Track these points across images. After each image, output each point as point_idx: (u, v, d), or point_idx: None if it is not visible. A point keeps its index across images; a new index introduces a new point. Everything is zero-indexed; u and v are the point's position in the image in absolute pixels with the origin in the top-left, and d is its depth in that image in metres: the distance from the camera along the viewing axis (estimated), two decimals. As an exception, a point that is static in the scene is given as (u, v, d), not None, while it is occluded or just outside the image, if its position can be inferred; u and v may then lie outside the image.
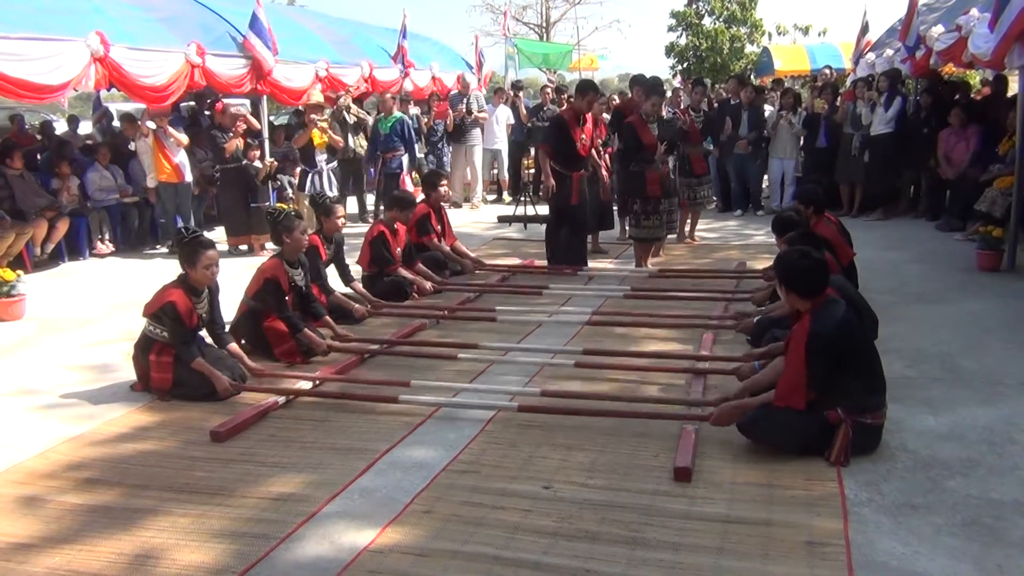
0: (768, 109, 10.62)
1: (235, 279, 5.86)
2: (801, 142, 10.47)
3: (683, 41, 24.23)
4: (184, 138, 8.66)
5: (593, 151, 7.59)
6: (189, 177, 8.82)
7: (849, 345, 3.49)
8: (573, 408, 4.07)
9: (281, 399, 4.31)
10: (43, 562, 2.86)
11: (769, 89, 12.21)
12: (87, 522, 3.13)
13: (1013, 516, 3.02)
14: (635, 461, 3.53)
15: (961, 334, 5.24)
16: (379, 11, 71.18)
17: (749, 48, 24.00)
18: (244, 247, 8.70)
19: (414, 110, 11.70)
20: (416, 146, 10.58)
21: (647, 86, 7.51)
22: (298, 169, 9.51)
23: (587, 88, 7.37)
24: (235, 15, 9.04)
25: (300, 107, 10.10)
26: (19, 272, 6.45)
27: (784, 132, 10.29)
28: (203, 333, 4.72)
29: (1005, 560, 2.75)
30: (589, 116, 7.33)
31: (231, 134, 8.61)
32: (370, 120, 10.37)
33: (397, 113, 10.00)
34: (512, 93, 12.77)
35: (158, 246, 9.08)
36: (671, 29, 24.66)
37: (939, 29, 8.64)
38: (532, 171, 10.89)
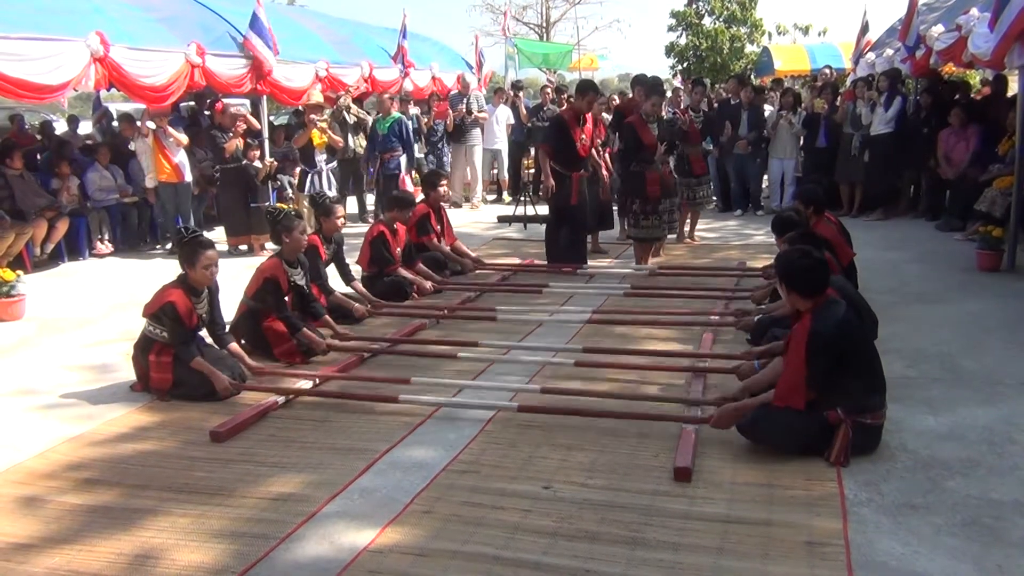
0: (768, 109, 10.63)
1: (235, 279, 5.86)
2: (801, 142, 10.47)
3: (683, 41, 24.26)
4: (184, 138, 8.66)
5: (593, 151, 7.59)
6: (189, 177, 8.82)
7: (849, 345, 3.49)
8: (573, 408, 4.07)
9: (281, 399, 4.31)
10: (43, 562, 2.86)
11: (769, 89, 12.21)
12: (87, 522, 3.13)
13: (1013, 516, 3.02)
14: (635, 461, 3.53)
15: (961, 334, 5.24)
16: (379, 11, 71.27)
17: (749, 48, 24.02)
18: (244, 247, 8.70)
19: (414, 110, 11.69)
20: (415, 146, 10.56)
21: (647, 86, 7.52)
22: (297, 169, 9.51)
23: (587, 88, 7.38)
24: (235, 15, 9.04)
25: (300, 107, 10.11)
26: (19, 272, 6.45)
27: (784, 132, 10.28)
28: (203, 333, 4.72)
29: (1005, 560, 2.75)
30: (589, 116, 7.34)
31: (231, 134, 8.61)
32: (370, 120, 10.36)
33: (395, 113, 9.99)
34: (512, 93, 12.77)
35: (158, 246, 9.07)
36: (671, 29, 24.71)
37: (939, 29, 8.64)
38: (532, 171, 10.90)
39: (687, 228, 8.84)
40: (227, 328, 4.86)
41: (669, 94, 9.29)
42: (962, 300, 6.08)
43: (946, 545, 2.84)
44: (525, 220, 9.56)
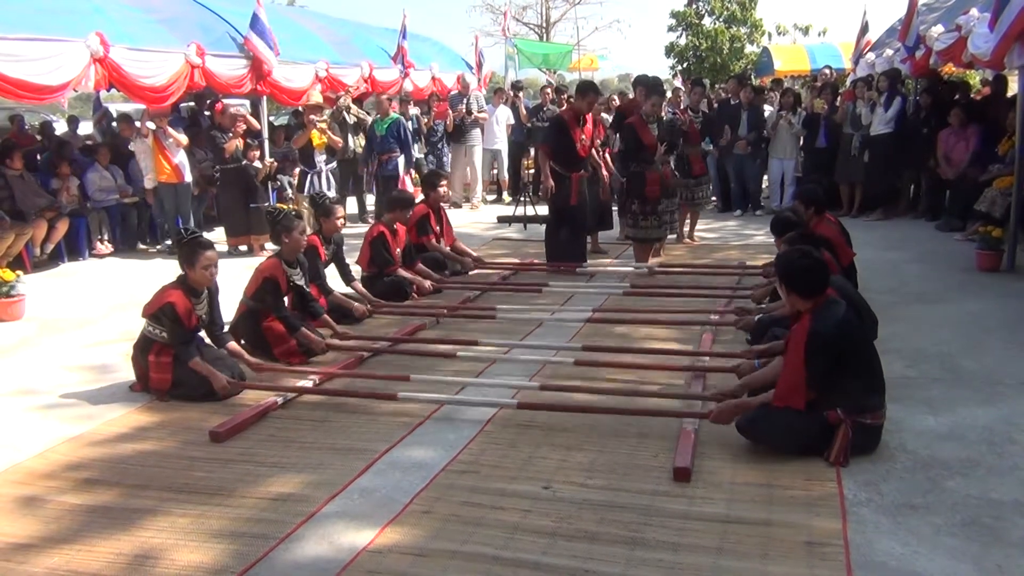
0: (768, 109, 10.63)
1: (235, 280, 5.86)
2: (801, 142, 10.47)
3: (683, 41, 24.25)
4: (184, 139, 8.66)
5: (593, 151, 7.59)
6: (189, 178, 8.82)
7: (849, 345, 3.49)
8: (573, 404, 4.07)
9: (281, 398, 4.31)
10: (42, 562, 2.86)
11: (769, 89, 12.21)
12: (86, 522, 3.13)
13: (1013, 516, 3.02)
14: (634, 461, 3.53)
15: (961, 334, 5.24)
16: (379, 11, 71.23)
17: (749, 48, 24.02)
18: (244, 248, 8.70)
19: (414, 110, 11.69)
20: (413, 148, 10.52)
21: (647, 86, 7.52)
22: (297, 170, 9.51)
23: (587, 89, 7.38)
24: (235, 15, 9.05)
25: (300, 108, 10.10)
26: (19, 272, 6.46)
27: (784, 132, 10.28)
28: (203, 333, 4.72)
29: (1005, 560, 2.74)
30: (589, 117, 7.34)
31: (231, 134, 8.60)
32: (370, 120, 10.37)
33: (393, 114, 9.96)
34: (512, 93, 12.77)
35: (158, 246, 9.07)
36: (671, 29, 24.70)
37: (939, 29, 8.64)
38: (532, 171, 10.90)
39: (687, 228, 8.84)
40: (226, 329, 4.86)
41: (669, 94, 9.28)
42: (962, 300, 6.08)
43: (946, 545, 2.84)
44: (525, 220, 9.56)
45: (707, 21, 24.09)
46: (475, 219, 10.78)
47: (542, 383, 4.35)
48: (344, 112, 10.15)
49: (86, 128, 12.48)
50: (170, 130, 8.52)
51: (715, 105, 10.77)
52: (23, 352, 5.40)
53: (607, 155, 8.32)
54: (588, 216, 7.64)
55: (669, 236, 8.10)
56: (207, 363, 4.41)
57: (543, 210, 8.13)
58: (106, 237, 8.77)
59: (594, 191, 7.80)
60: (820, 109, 10.64)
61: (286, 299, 5.24)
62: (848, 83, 12.25)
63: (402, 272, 6.50)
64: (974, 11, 7.64)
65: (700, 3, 24.17)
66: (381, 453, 3.66)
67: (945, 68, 10.36)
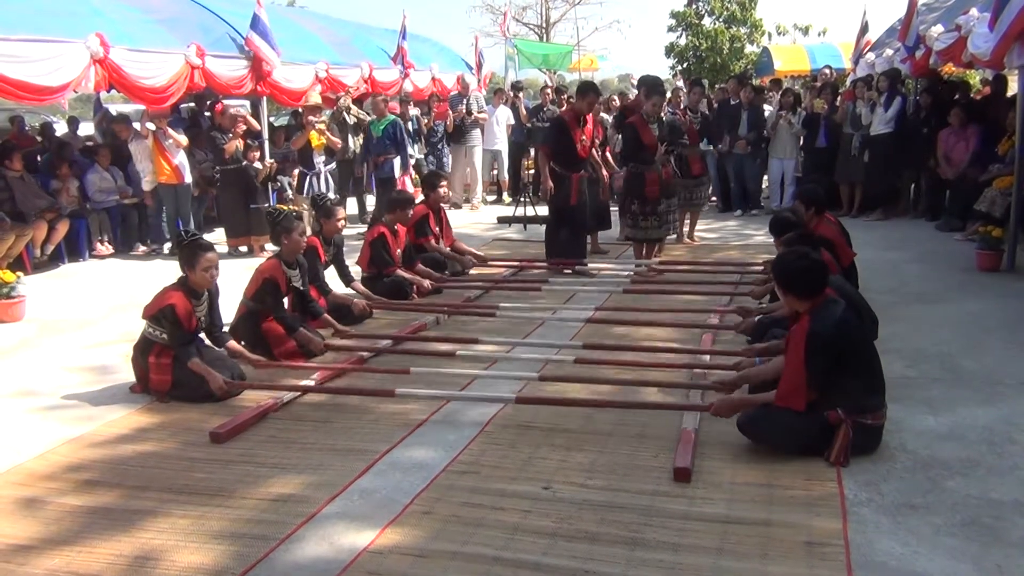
0: (768, 109, 10.62)
1: (235, 281, 5.86)
2: (801, 142, 10.47)
3: (683, 41, 24.24)
4: (184, 139, 8.66)
5: (593, 151, 7.59)
6: (189, 178, 8.82)
7: (848, 345, 3.49)
8: (572, 399, 4.07)
9: (281, 398, 4.31)
10: (43, 564, 2.86)
11: (768, 89, 12.21)
12: (87, 523, 3.13)
13: (1013, 516, 3.02)
14: (634, 461, 3.53)
15: (961, 334, 5.24)
16: (379, 12, 71.20)
17: (749, 48, 24.02)
18: (244, 248, 8.70)
19: (414, 111, 11.69)
20: (409, 149, 10.45)
21: (648, 86, 7.52)
22: (296, 171, 9.50)
23: (588, 89, 7.38)
24: (235, 16, 9.05)
25: (299, 108, 10.10)
26: (19, 274, 6.46)
27: (784, 132, 10.28)
28: (203, 335, 4.72)
29: (1004, 560, 2.74)
30: (590, 117, 7.34)
31: (231, 135, 8.61)
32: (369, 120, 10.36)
33: (390, 116, 9.89)
34: (512, 94, 12.77)
35: (153, 246, 9.05)
36: (671, 29, 24.69)
37: (939, 29, 8.64)
38: (532, 172, 10.90)
39: (686, 228, 8.83)
40: (226, 330, 4.86)
41: (669, 94, 9.28)
42: (962, 300, 6.08)
43: (946, 545, 2.84)
44: (525, 221, 9.56)
45: (707, 21, 24.08)
46: (475, 220, 10.79)
47: (542, 377, 4.36)
48: (344, 113, 10.14)
49: (86, 129, 12.48)
50: (170, 131, 8.52)
51: (715, 105, 10.77)
52: (23, 353, 5.41)
53: (607, 154, 8.33)
54: (588, 216, 7.64)
55: (669, 236, 8.09)
56: (206, 364, 4.41)
57: (543, 211, 8.13)
58: (106, 238, 8.77)
59: (594, 191, 7.80)
60: (820, 109, 10.63)
61: (286, 300, 5.24)
62: (848, 83, 12.25)
63: (401, 273, 6.50)
64: (974, 11, 7.64)
65: (700, 3, 24.16)
66: (381, 454, 3.66)
67: (945, 68, 10.36)
